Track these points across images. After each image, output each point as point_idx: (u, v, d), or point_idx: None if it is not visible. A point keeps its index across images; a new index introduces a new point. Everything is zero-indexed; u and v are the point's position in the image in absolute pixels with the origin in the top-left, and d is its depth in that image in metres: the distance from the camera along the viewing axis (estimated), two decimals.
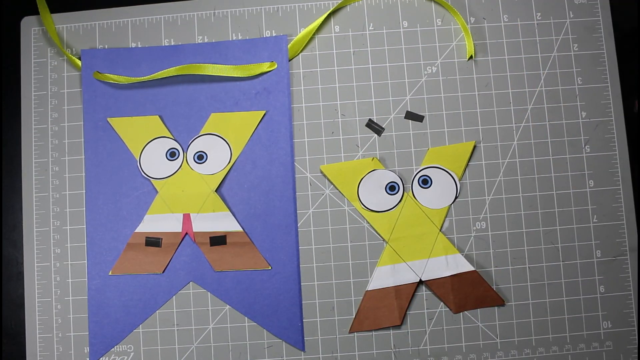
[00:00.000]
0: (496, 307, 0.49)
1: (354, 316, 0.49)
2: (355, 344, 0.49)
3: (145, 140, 0.50)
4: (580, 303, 0.49)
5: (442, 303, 0.49)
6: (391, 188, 0.50)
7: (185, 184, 0.50)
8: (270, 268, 0.49)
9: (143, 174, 0.50)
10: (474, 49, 0.51)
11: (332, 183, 0.50)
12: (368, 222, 0.50)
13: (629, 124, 0.51)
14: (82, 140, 0.51)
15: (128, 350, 0.49)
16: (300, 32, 0.51)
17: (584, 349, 0.49)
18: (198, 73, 0.51)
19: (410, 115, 0.51)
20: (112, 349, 0.49)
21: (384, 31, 0.51)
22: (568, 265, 0.49)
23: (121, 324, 0.49)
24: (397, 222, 0.49)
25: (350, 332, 0.49)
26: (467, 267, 0.49)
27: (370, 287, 0.49)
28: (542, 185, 0.50)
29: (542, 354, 0.49)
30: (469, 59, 0.51)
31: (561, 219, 0.50)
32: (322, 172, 0.50)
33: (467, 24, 0.51)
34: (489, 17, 0.52)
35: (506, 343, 0.49)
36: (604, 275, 0.49)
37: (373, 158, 0.50)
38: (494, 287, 0.49)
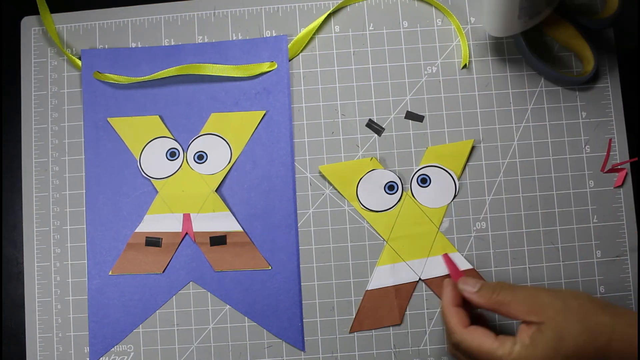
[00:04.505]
0: None
1: (354, 316, 0.49)
2: (355, 344, 0.49)
3: (145, 140, 0.50)
4: None
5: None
6: (390, 188, 0.50)
7: (185, 184, 0.50)
8: (270, 268, 0.49)
9: (143, 174, 0.50)
10: (470, 53, 0.50)
11: (331, 183, 0.50)
12: (368, 222, 0.50)
13: (629, 124, 0.51)
14: (82, 140, 0.51)
15: (128, 350, 0.49)
16: (300, 32, 0.51)
17: None
18: (198, 73, 0.51)
19: (410, 115, 0.51)
20: (112, 349, 0.49)
21: (384, 31, 0.51)
22: (568, 265, 0.49)
23: (121, 324, 0.49)
24: (396, 221, 0.49)
25: (351, 332, 0.49)
26: (466, 265, 0.49)
27: (370, 286, 0.49)
28: (542, 185, 0.50)
29: None
30: (462, 68, 0.51)
31: (561, 219, 0.50)
32: (320, 173, 0.50)
33: (468, 24, 0.51)
34: None
35: None
36: (604, 275, 0.49)
37: (372, 158, 0.50)
38: None
